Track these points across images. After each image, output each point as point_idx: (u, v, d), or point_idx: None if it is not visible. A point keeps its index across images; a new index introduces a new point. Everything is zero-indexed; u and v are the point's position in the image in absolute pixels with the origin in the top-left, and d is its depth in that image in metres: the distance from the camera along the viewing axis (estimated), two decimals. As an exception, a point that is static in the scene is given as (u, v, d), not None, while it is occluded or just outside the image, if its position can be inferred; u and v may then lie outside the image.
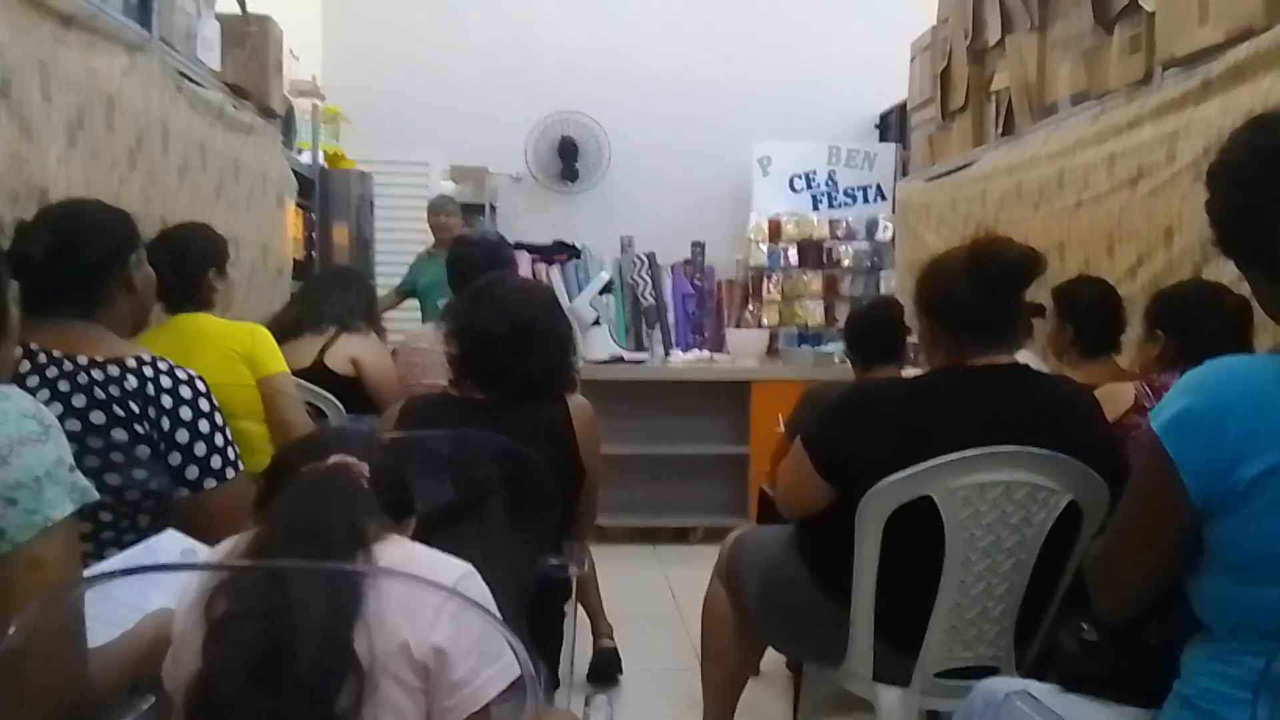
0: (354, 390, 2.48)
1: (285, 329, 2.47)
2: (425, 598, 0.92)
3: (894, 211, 4.92)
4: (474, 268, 2.33)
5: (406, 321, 4.05)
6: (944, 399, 1.52)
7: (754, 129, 5.28)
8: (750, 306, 5.22)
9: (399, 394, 2.30)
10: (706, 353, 4.39)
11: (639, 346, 5.02)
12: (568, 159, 5.35)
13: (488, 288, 1.73)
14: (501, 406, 1.67)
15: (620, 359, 4.01)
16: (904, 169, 5.08)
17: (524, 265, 5.14)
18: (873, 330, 2.26)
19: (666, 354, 4.77)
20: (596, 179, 5.43)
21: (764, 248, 5.18)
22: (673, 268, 5.34)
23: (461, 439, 1.50)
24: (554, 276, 5.18)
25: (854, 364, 2.33)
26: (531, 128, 5.29)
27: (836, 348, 4.15)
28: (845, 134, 5.36)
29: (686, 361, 4.22)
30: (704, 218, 5.40)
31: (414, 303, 4.21)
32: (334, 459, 1.00)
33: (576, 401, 1.74)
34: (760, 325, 5.08)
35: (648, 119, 5.36)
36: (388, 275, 4.45)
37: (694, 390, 4.01)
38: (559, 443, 1.67)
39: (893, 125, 5.39)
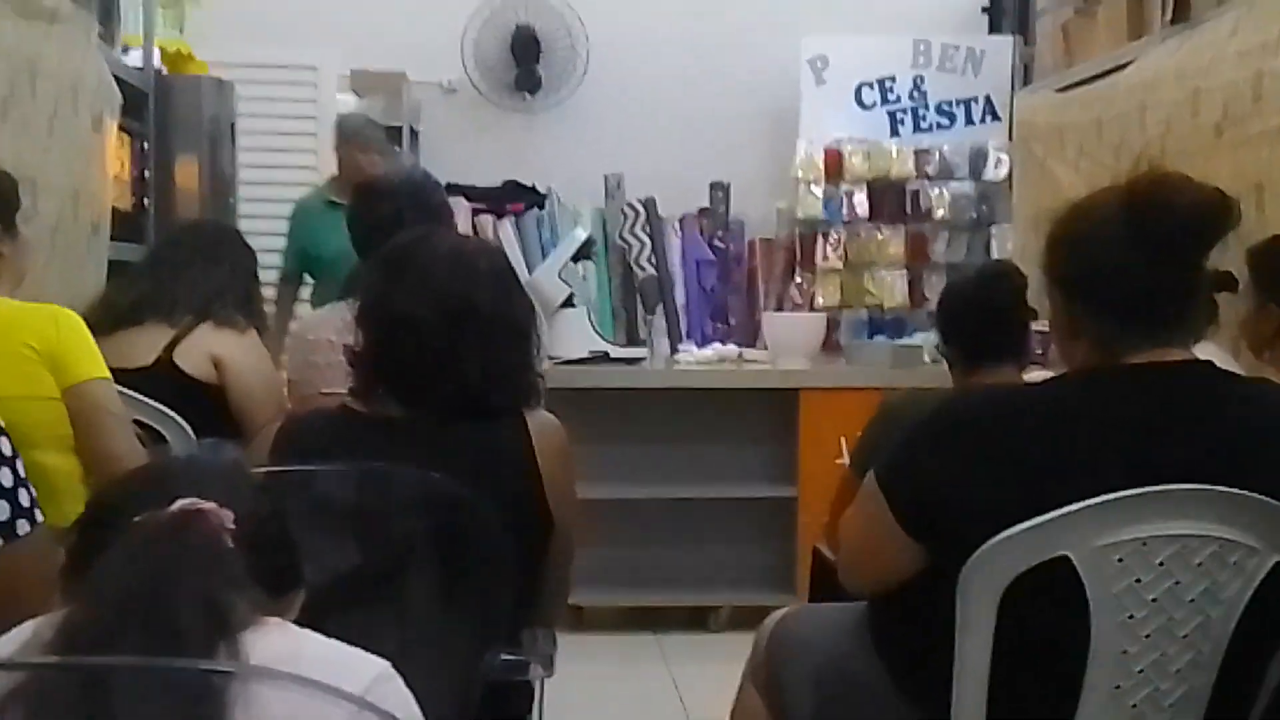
0: (215, 404, 2.49)
1: (118, 315, 2.48)
2: (320, 711, 0.92)
3: (1011, 137, 4.96)
4: (386, 223, 2.34)
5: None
6: (1088, 415, 1.52)
7: (803, 17, 5.30)
8: (798, 279, 5.24)
9: (282, 410, 2.32)
10: (733, 347, 4.42)
11: (632, 339, 5.03)
12: (525, 60, 5.36)
13: (407, 252, 1.73)
14: (430, 429, 1.67)
15: (605, 357, 4.03)
16: (1026, 74, 5.13)
17: (460, 218, 5.17)
18: (980, 314, 2.28)
19: (674, 350, 4.78)
20: (568, 91, 5.43)
21: (818, 191, 5.21)
22: (682, 222, 5.36)
23: (372, 477, 1.50)
24: (506, 235, 5.19)
25: (952, 364, 2.35)
26: (471, 14, 5.30)
27: (926, 340, 4.18)
28: (938, 23, 5.39)
29: (703, 361, 4.25)
30: (729, 148, 5.40)
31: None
32: (181, 504, 1.00)
33: (540, 421, 1.75)
34: (813, 307, 5.10)
35: (645, 1, 5.39)
36: (257, 233, 4.44)
37: (715, 404, 4.03)
38: (515, 481, 1.67)
39: (1009, 10, 5.42)
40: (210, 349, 2.52)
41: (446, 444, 1.65)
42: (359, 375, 1.71)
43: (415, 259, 1.72)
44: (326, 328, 2.37)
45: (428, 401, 1.67)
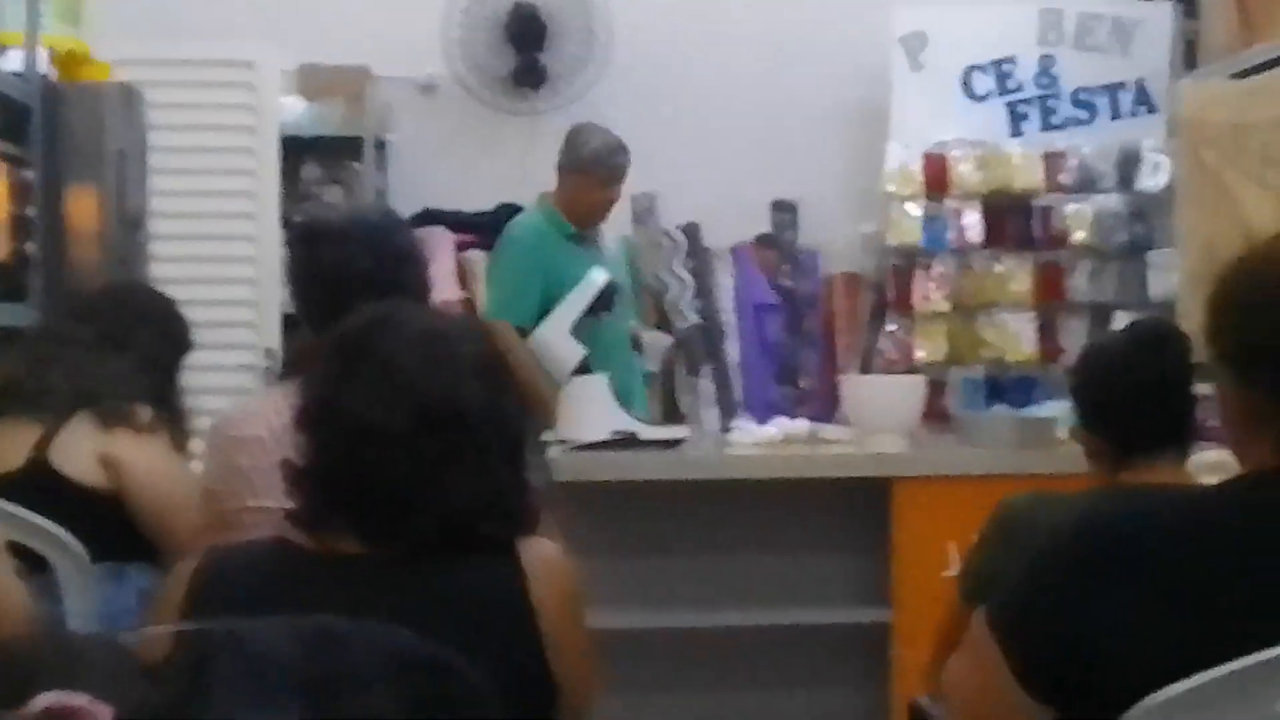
0: (111, 517, 2.54)
1: None
2: None
3: (1170, 134, 4.97)
4: (338, 285, 2.37)
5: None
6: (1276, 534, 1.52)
7: (892, -18, 5.37)
8: (891, 327, 5.25)
9: (203, 531, 2.33)
10: (804, 423, 4.40)
11: (671, 414, 5.11)
12: (526, 48, 5.43)
13: (364, 336, 1.75)
14: (397, 571, 1.67)
15: (633, 439, 4.04)
16: (1191, 54, 5.14)
17: (441, 255, 5.24)
18: (1133, 393, 2.28)
19: (726, 427, 4.82)
20: (583, 86, 5.50)
21: (916, 211, 5.24)
22: (735, 254, 5.39)
23: (324, 635, 1.51)
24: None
25: (1092, 450, 2.35)
26: (455, -10, 5.41)
27: (1062, 412, 4.15)
28: (1072, -13, 5.44)
29: (765, 442, 4.23)
30: (796, 157, 5.46)
31: None
32: (46, 701, 0.99)
33: (538, 554, 1.75)
34: (911, 365, 5.12)
35: (682, -32, 5.51)
36: (176, 281, 4.49)
37: (781, 500, 4.01)
38: (509, 638, 1.68)
39: (1167, -30, 5.46)
40: (102, 447, 2.56)
41: (419, 590, 1.66)
42: (302, 498, 1.72)
43: (375, 345, 1.73)
44: (257, 422, 2.37)
45: (397, 535, 1.68)
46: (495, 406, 1.73)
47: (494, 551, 1.73)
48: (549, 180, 5.46)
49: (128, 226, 4.39)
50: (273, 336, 4.95)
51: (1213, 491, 1.66)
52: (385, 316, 1.78)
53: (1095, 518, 1.67)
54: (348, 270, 2.38)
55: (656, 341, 4.75)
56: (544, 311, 4.23)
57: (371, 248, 2.44)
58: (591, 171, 4.39)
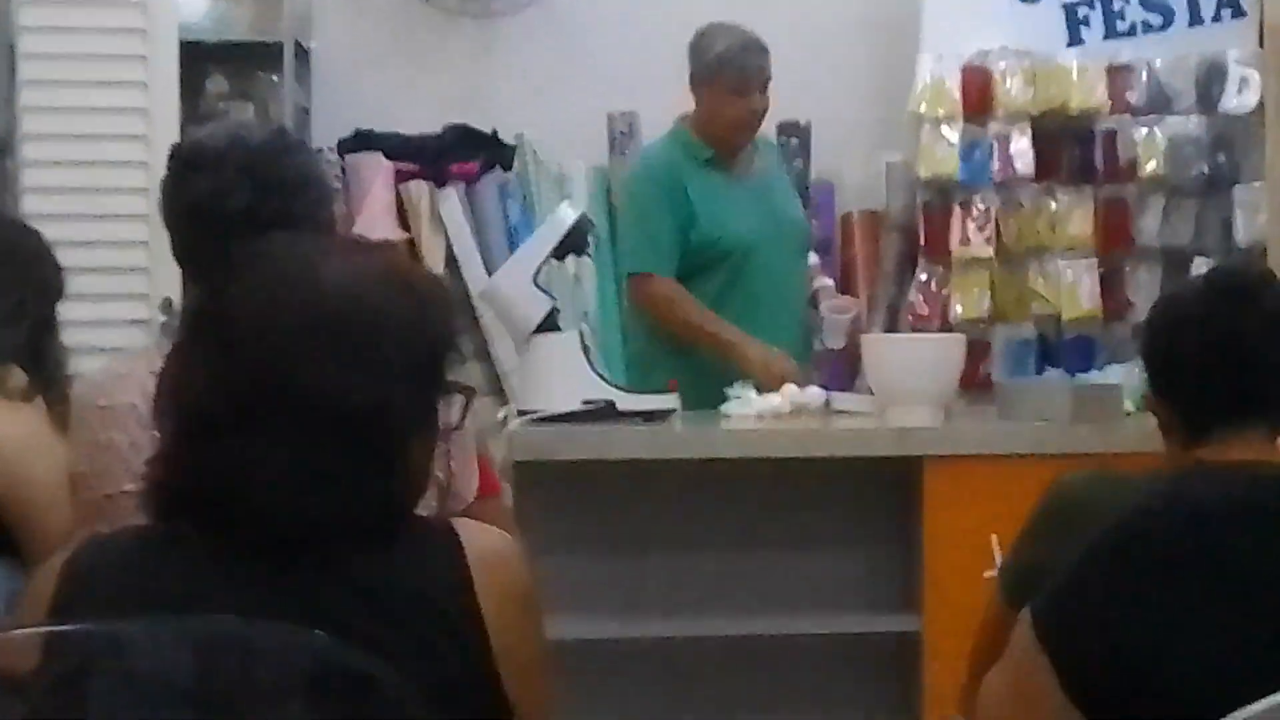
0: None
1: None
2: None
3: (1262, 44, 4.95)
4: (212, 221, 2.36)
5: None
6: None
7: None
8: (923, 275, 5.25)
9: (76, 524, 2.31)
10: (818, 390, 4.40)
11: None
12: (480, -70, 5.44)
13: (252, 278, 1.75)
14: (309, 558, 1.67)
15: (610, 409, 4.03)
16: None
17: (377, 184, 5.23)
18: (1212, 353, 2.28)
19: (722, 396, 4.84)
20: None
21: (953, 135, 5.25)
22: (735, 187, 5.39)
23: (221, 640, 1.50)
24: (450, 213, 5.27)
25: (1167, 429, 2.35)
26: None
27: (1130, 376, 4.16)
28: None
29: (769, 414, 4.23)
30: (806, 69, 5.42)
31: None
32: None
33: (485, 544, 1.76)
34: (946, 322, 5.14)
35: None
36: (52, 218, 4.48)
37: (790, 484, 4.02)
38: (450, 641, 1.68)
39: None
40: None
41: (337, 584, 1.65)
42: (149, 488, 1.72)
43: (223, 303, 1.74)
44: (129, 386, 2.34)
45: (291, 522, 1.66)
46: (376, 388, 1.71)
47: (427, 537, 1.73)
48: (509, 97, 5.46)
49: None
50: (171, 285, 4.92)
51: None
52: (254, 262, 1.77)
53: (1160, 503, 1.68)
54: (222, 204, 2.37)
55: (841, 309, 4.70)
56: (685, 255, 4.42)
57: (252, 175, 2.42)
58: (719, 79, 4.42)
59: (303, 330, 1.70)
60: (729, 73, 4.40)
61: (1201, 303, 2.34)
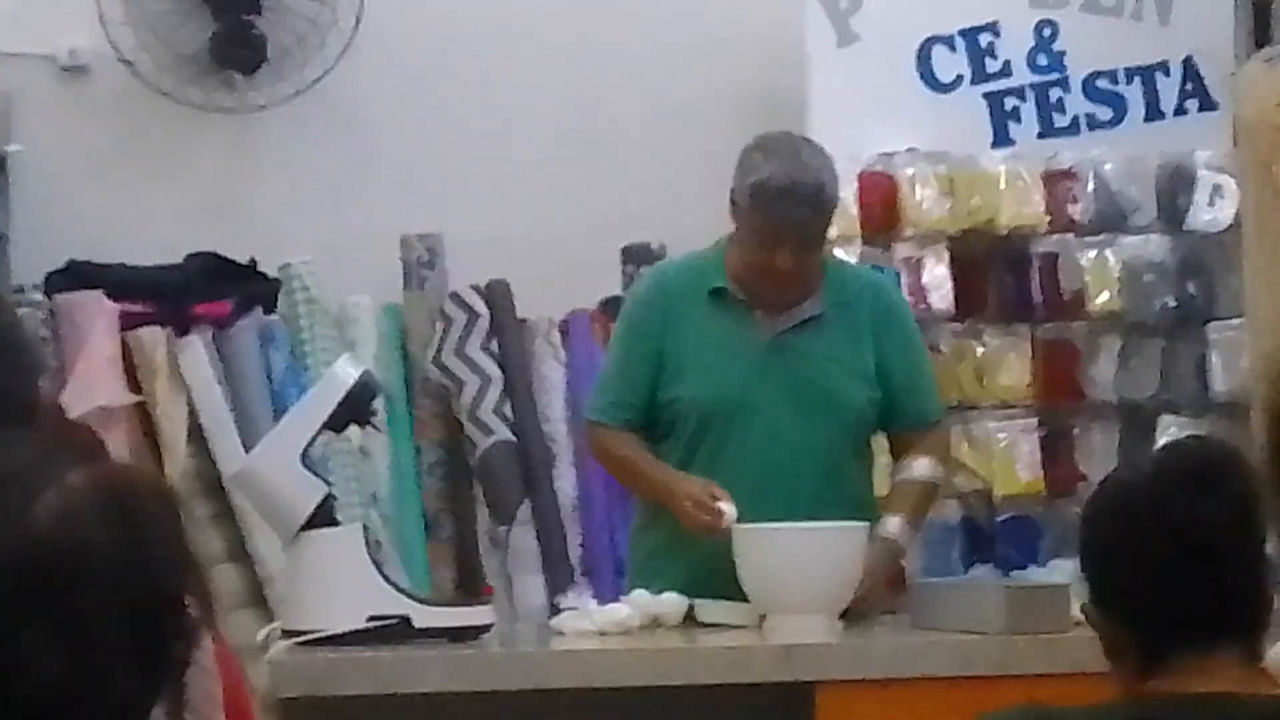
0: None
1: None
2: None
3: (1236, 143, 5.02)
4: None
5: None
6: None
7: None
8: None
9: None
10: (677, 598, 4.41)
11: (468, 585, 5.08)
12: (230, 8, 5.45)
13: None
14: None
15: (405, 625, 4.00)
16: (1264, 21, 5.24)
17: (97, 331, 5.15)
18: (1162, 544, 2.31)
19: (553, 607, 4.81)
20: (320, 64, 5.52)
21: (848, 259, 5.25)
22: (567, 329, 5.47)
23: None
24: (194, 370, 5.24)
25: (1112, 642, 2.37)
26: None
27: (1071, 577, 4.19)
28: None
29: (614, 631, 4.23)
30: (658, 181, 5.54)
31: None
32: None
33: None
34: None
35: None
36: None
37: (643, 717, 4.01)
38: None
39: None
40: None
41: None
42: None
43: None
44: None
45: None
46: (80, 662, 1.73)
47: None
48: (272, 216, 5.45)
49: None
50: None
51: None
52: None
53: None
54: None
55: None
56: (658, 403, 4.46)
57: None
58: (744, 214, 4.39)
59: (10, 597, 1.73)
60: (757, 215, 4.37)
61: (1152, 490, 2.36)
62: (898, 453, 4.52)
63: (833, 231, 5.18)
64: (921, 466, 4.46)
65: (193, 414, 5.23)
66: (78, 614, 1.74)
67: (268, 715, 3.37)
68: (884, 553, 4.33)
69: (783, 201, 4.31)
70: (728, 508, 4.17)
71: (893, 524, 4.38)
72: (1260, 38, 5.13)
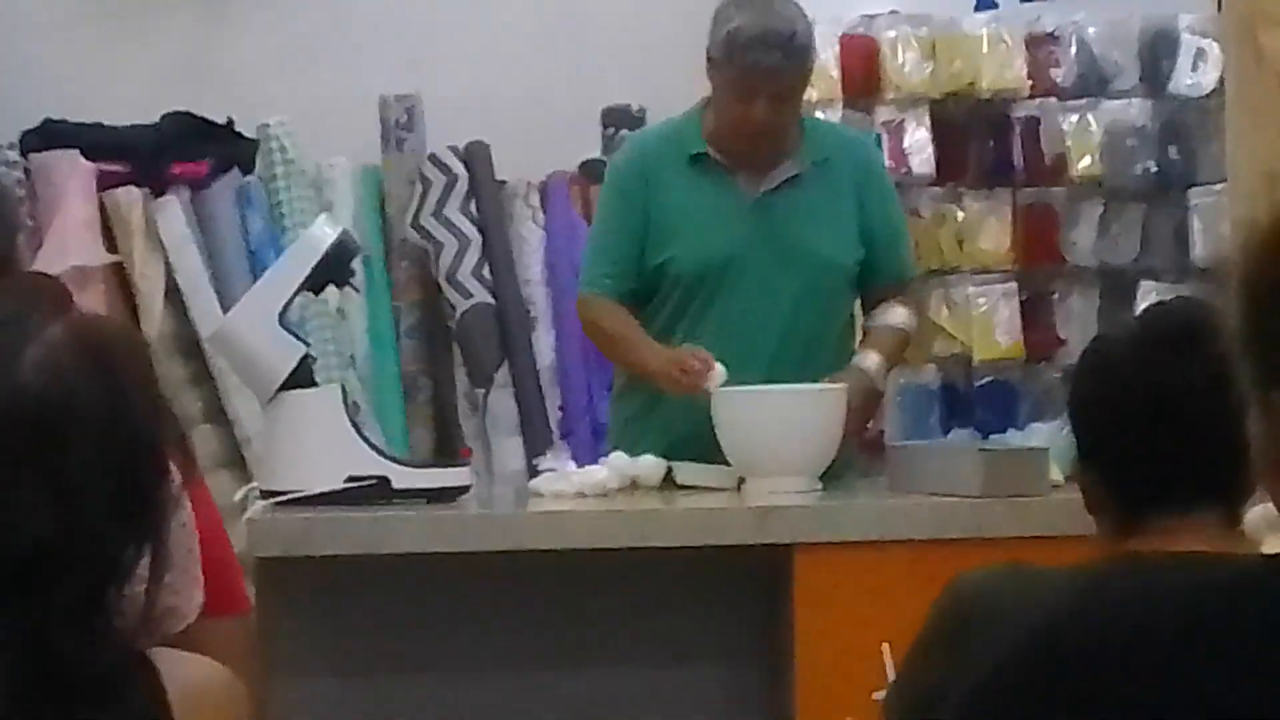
0: None
1: None
2: None
3: (1220, 9, 5.01)
4: None
5: None
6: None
7: None
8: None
9: None
10: (654, 461, 4.41)
11: (444, 447, 5.11)
12: None
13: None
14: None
15: (385, 486, 4.01)
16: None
17: (72, 191, 5.17)
18: (1144, 404, 2.30)
19: (532, 468, 4.87)
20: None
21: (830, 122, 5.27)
22: (546, 191, 5.47)
23: None
24: (171, 228, 5.24)
25: (1095, 500, 2.37)
26: None
27: (1060, 438, 4.20)
28: None
29: (592, 493, 4.23)
30: (640, 42, 5.53)
31: None
32: None
33: (190, 677, 1.79)
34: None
35: None
36: None
37: (618, 582, 4.04)
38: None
39: None
40: None
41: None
42: None
43: None
44: None
45: None
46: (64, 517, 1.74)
47: (116, 671, 1.73)
48: (245, 74, 5.43)
49: None
50: None
51: (1261, 568, 1.68)
52: None
53: (1071, 612, 1.68)
54: None
55: None
56: (645, 269, 4.49)
57: None
58: (721, 68, 4.40)
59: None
60: (730, 66, 4.37)
61: (1134, 351, 2.36)
62: (871, 309, 4.54)
63: (814, 94, 5.19)
64: (898, 314, 4.49)
65: (170, 275, 5.22)
66: (66, 466, 1.76)
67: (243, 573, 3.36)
68: (860, 385, 4.36)
69: (755, 49, 4.32)
70: (719, 366, 4.20)
71: (871, 359, 4.43)
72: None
